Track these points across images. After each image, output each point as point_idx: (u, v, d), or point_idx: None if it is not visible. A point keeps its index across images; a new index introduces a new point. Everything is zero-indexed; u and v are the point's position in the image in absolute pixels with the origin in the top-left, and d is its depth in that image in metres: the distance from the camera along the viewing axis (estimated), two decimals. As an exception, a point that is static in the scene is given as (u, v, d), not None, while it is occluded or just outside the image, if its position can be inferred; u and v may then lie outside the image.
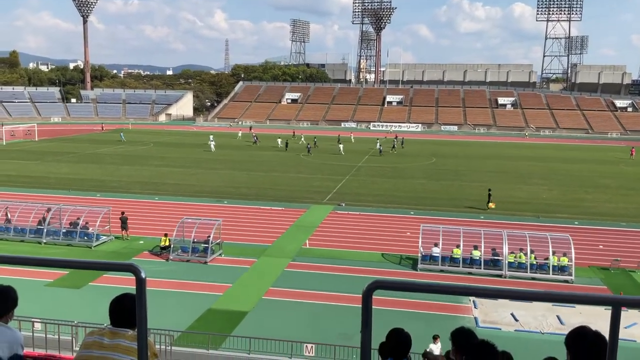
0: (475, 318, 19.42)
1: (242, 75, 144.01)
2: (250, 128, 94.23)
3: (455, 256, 24.67)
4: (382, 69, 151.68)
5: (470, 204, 37.92)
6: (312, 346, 16.16)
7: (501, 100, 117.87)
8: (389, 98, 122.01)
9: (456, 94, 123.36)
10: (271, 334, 16.64)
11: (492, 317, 19.56)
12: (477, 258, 24.43)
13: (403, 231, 30.49)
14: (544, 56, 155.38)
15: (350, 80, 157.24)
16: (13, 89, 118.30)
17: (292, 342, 16.11)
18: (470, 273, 24.14)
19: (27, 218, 28.23)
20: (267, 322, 18.74)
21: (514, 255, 24.36)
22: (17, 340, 3.66)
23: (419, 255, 24.93)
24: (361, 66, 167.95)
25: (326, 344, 16.08)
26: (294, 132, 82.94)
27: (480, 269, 24.22)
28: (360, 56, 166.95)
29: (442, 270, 24.35)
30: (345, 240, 28.67)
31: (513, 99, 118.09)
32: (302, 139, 73.84)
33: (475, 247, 24.63)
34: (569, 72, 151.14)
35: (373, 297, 2.04)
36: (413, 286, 2.03)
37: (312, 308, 20.23)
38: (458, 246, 24.72)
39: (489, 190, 38.02)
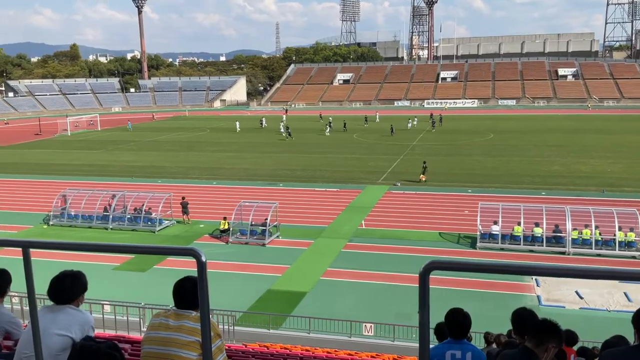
0: (538, 296, 18.98)
1: (294, 58, 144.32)
2: (286, 111, 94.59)
3: (515, 234, 24.10)
4: (435, 45, 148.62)
5: (531, 180, 36.86)
6: (371, 325, 16.25)
7: (561, 72, 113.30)
8: (443, 74, 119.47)
9: (513, 67, 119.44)
10: (330, 314, 16.83)
11: (555, 295, 19.05)
12: (539, 235, 23.76)
13: (461, 209, 30.00)
14: (606, 23, 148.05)
15: (402, 57, 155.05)
16: (75, 81, 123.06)
17: (351, 322, 16.25)
18: (531, 251, 23.55)
19: (94, 205, 29.48)
20: (326, 302, 18.94)
21: (578, 231, 23.56)
22: (88, 323, 3.86)
23: (478, 233, 24.49)
24: (413, 43, 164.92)
25: (385, 323, 16.14)
26: (320, 114, 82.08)
27: (543, 246, 23.58)
28: (412, 32, 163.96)
29: (502, 249, 23.84)
30: (402, 220, 28.49)
31: (574, 69, 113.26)
32: (330, 120, 71.74)
33: (537, 224, 23.95)
34: (634, 38, 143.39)
35: (431, 276, 2.02)
36: (470, 266, 1.99)
37: (370, 288, 20.29)
38: (519, 223, 24.12)
39: (424, 162, 38.35)
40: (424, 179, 36.91)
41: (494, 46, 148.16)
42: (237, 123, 71.40)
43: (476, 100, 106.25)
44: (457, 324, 4.52)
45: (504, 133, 61.87)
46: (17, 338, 4.69)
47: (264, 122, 74.19)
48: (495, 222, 24.35)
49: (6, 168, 46.04)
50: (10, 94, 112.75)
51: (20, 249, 2.58)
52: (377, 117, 78.89)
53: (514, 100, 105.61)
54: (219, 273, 21.36)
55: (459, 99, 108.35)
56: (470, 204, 30.00)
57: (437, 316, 4.93)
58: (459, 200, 32.10)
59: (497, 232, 24.19)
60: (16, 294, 15.70)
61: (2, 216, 30.76)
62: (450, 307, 4.75)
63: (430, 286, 2.02)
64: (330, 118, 72.64)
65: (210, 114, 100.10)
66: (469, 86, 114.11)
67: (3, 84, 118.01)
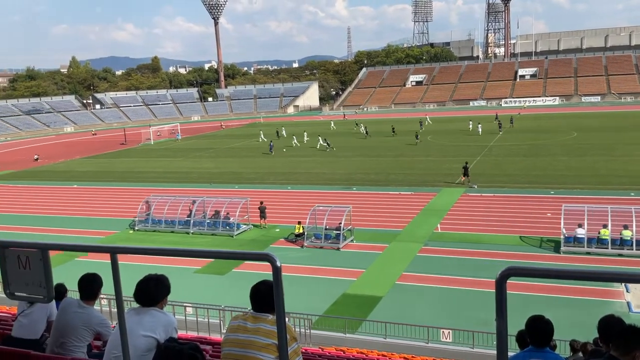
0: (628, 303, 17.90)
1: (365, 62, 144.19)
2: (344, 116, 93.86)
3: (602, 237, 22.86)
4: (512, 42, 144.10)
5: (618, 180, 34.88)
6: (449, 332, 15.90)
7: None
8: (521, 72, 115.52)
9: (597, 62, 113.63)
10: (406, 319, 16.62)
11: (648, 302, 17.90)
12: (629, 239, 22.41)
13: (543, 212, 28.84)
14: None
15: (477, 56, 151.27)
16: (157, 92, 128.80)
17: (428, 328, 15.97)
18: (620, 255, 22.26)
19: (176, 211, 30.69)
20: (402, 307, 18.74)
21: (673, 234, 22.04)
22: (171, 324, 4.03)
23: (562, 237, 23.42)
24: (489, 41, 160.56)
25: (464, 329, 15.74)
26: (356, 122, 79.25)
27: (632, 250, 22.22)
28: (488, 30, 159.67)
29: (588, 253, 22.67)
30: (480, 223, 27.74)
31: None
32: (362, 126, 69.63)
33: (626, 227, 22.61)
34: None
35: (512, 281, 1.97)
36: (550, 273, 1.92)
37: (447, 293, 19.89)
38: (605, 226, 22.87)
39: (466, 163, 37.39)
40: (463, 180, 36.22)
41: (576, 41, 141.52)
42: (261, 132, 70.84)
43: (557, 98, 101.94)
44: (538, 331, 4.35)
45: (588, 131, 58.96)
46: (106, 339, 4.96)
47: (283, 132, 71.52)
48: (580, 225, 23.22)
49: (95, 176, 48.83)
50: (97, 106, 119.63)
51: (109, 254, 2.73)
52: (428, 119, 75.73)
53: (599, 97, 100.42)
54: (295, 277, 21.63)
55: (539, 96, 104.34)
56: (553, 206, 28.79)
57: (518, 323, 4.77)
58: (540, 203, 30.87)
59: (583, 236, 23.05)
60: (105, 297, 16.58)
61: (92, 222, 32.64)
62: (532, 314, 4.59)
63: (512, 292, 1.96)
64: (362, 125, 71.38)
65: (284, 120, 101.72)
66: (549, 83, 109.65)
67: (90, 97, 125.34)
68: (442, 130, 67.44)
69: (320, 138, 60.76)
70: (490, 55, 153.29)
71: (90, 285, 5.17)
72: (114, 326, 5.08)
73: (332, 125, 79.52)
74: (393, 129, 66.61)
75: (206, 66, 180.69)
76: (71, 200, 39.65)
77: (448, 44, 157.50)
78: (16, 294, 2.96)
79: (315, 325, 17.31)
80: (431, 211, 30.68)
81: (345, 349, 14.67)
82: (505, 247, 24.01)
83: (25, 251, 2.88)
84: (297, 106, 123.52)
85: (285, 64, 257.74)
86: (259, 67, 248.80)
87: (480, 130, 61.52)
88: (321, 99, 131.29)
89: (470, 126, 65.08)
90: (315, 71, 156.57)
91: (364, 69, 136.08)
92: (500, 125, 63.64)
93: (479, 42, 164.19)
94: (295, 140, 61.92)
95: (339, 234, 25.73)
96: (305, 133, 65.81)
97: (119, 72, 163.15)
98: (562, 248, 23.09)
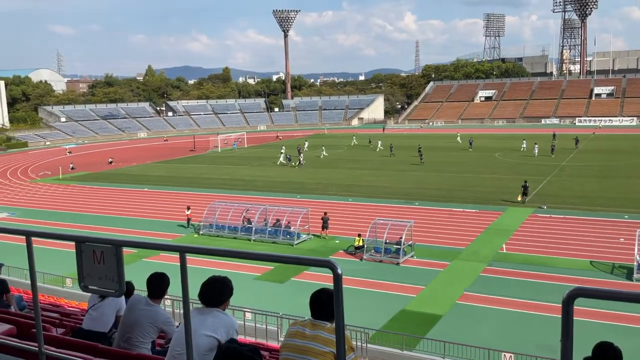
0: None
1: (433, 76, 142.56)
2: (383, 129, 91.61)
3: (681, 266, 21.54)
4: (589, 59, 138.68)
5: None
6: (511, 355, 15.38)
7: None
8: (597, 90, 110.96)
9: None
10: (466, 340, 16.20)
11: None
12: None
13: (615, 237, 27.48)
14: None
15: (551, 72, 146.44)
16: (226, 101, 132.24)
17: (489, 350, 15.50)
18: (701, 287, 20.87)
19: (239, 217, 31.29)
20: (462, 327, 18.29)
21: None
22: (233, 326, 4.13)
23: (635, 263, 22.24)
24: (564, 57, 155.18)
25: (526, 354, 15.18)
26: (370, 139, 76.51)
27: None
28: (563, 46, 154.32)
29: (664, 282, 21.42)
30: (548, 245, 26.73)
31: None
32: (379, 144, 68.40)
33: None
34: None
35: (579, 307, 1.91)
36: (622, 296, 1.84)
37: (510, 315, 19.26)
38: (685, 255, 21.53)
39: (525, 181, 36.26)
40: (520, 199, 35.39)
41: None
42: (283, 148, 66.11)
43: (635, 118, 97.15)
44: (606, 359, 4.14)
45: (668, 154, 55.80)
46: (170, 336, 5.12)
47: (305, 146, 69.12)
48: (657, 252, 21.97)
49: (165, 180, 50.59)
50: (170, 114, 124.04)
51: (177, 254, 2.84)
52: (458, 136, 72.34)
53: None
54: (353, 289, 21.53)
55: (615, 116, 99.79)
56: (627, 231, 27.41)
57: (583, 350, 4.57)
58: (613, 227, 29.44)
59: (659, 264, 21.79)
60: (168, 297, 17.10)
61: (160, 225, 33.80)
62: (600, 341, 4.39)
63: (578, 318, 1.90)
64: (379, 141, 69.83)
65: (348, 132, 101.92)
66: (627, 103, 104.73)
67: (164, 105, 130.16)
68: (508, 148, 65.58)
69: (299, 150, 61.08)
70: (565, 72, 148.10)
71: (158, 284, 5.36)
72: (178, 325, 5.25)
73: (354, 140, 78.63)
74: (419, 148, 59.61)
75: (274, 77, 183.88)
76: (142, 202, 41.23)
77: (520, 59, 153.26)
78: (90, 287, 3.13)
79: (372, 339, 17.16)
80: (496, 230, 29.87)
81: (402, 366, 14.44)
82: (574, 271, 23.03)
83: (100, 246, 3.04)
84: (362, 119, 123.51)
85: (352, 77, 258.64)
86: (325, 79, 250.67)
87: (536, 151, 56.90)
88: (386, 112, 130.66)
89: (524, 145, 62.08)
90: (381, 84, 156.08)
91: (431, 83, 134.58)
92: (553, 147, 58.05)
93: (553, 59, 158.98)
94: (283, 159, 60.14)
95: (399, 248, 25.46)
96: (323, 148, 65.82)
97: (191, 81, 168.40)
98: (635, 275, 21.92)
